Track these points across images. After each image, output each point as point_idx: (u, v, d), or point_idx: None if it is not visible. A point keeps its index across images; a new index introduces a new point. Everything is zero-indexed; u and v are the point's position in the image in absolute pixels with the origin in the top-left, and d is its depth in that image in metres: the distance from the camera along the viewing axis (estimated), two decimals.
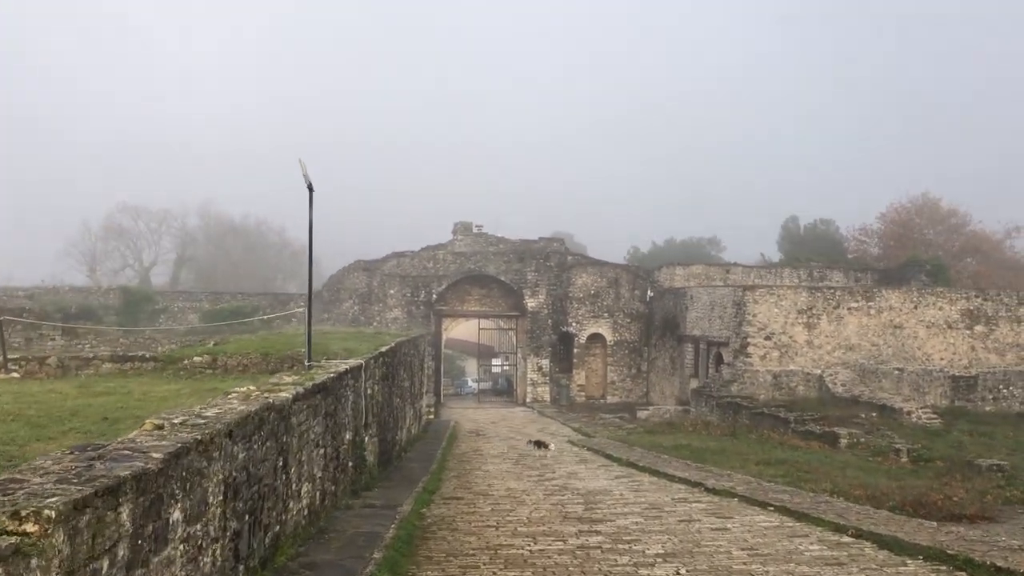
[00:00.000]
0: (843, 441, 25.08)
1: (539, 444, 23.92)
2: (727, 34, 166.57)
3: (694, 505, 13.63)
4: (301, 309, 45.01)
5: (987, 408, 34.15)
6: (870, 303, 35.65)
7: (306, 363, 14.02)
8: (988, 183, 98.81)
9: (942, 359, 35.69)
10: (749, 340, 34.78)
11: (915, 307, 35.87)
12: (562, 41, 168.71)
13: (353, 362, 13.97)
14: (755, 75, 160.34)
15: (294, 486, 9.15)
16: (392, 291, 44.65)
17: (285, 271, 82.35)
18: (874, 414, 29.75)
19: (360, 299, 44.99)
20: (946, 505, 14.93)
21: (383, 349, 17.54)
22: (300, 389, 9.40)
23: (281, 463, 8.48)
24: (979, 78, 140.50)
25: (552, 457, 22.19)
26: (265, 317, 34.77)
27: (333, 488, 11.73)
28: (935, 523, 12.93)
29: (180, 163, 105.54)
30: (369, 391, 15.38)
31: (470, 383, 55.13)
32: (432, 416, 34.00)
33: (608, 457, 21.93)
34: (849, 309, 35.42)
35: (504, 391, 51.46)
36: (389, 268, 45.02)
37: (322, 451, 10.81)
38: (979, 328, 36.10)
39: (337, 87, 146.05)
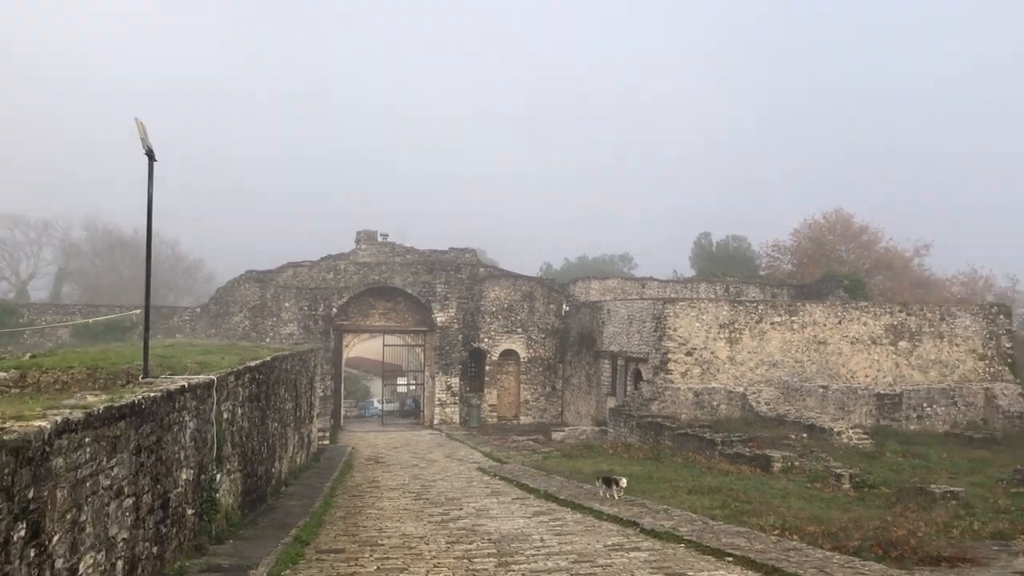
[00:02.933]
0: (777, 465, 22.98)
1: (608, 481, 17.24)
2: (636, 48, 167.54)
3: (633, 555, 10.98)
4: (173, 320, 41.16)
5: (911, 427, 32.82)
6: (793, 318, 34.01)
7: (140, 379, 10.87)
8: (898, 201, 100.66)
9: (866, 376, 34.24)
10: (670, 356, 32.64)
11: (839, 322, 34.38)
12: (474, 55, 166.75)
13: (200, 378, 10.85)
14: (661, 91, 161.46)
15: (60, 562, 6.08)
16: (287, 304, 41.06)
17: (178, 287, 77.25)
18: (804, 435, 27.86)
19: (252, 313, 41.24)
20: (919, 545, 12.70)
21: (252, 364, 14.41)
22: (79, 415, 6.34)
23: (24, 532, 5.43)
24: (893, 97, 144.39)
25: (459, 489, 19.29)
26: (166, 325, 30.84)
27: (155, 549, 8.62)
28: (926, 571, 10.63)
29: (64, 173, 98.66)
30: (227, 415, 12.25)
31: (376, 404, 51.65)
32: (327, 442, 30.69)
33: (524, 488, 19.21)
34: (772, 324, 33.69)
35: (412, 412, 48.21)
36: (284, 279, 41.43)
37: (130, 501, 7.72)
38: (903, 344, 34.84)
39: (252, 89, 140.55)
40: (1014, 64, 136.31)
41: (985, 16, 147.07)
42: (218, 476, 11.55)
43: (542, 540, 12.30)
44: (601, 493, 16.99)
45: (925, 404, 33.86)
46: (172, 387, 9.33)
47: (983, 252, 71.10)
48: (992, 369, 35.24)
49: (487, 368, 42.89)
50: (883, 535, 14.02)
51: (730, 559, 10.30)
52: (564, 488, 18.25)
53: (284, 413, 18.49)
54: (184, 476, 9.86)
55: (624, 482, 16.86)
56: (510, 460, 25.78)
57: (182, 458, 9.74)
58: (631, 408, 32.23)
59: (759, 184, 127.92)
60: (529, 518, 14.68)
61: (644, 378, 34.04)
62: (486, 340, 42.92)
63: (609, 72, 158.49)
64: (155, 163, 11.77)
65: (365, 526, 13.99)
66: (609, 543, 11.91)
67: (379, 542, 12.40)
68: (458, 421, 41.22)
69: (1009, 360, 35.56)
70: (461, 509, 15.98)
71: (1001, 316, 36.20)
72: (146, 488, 8.30)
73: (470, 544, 12.15)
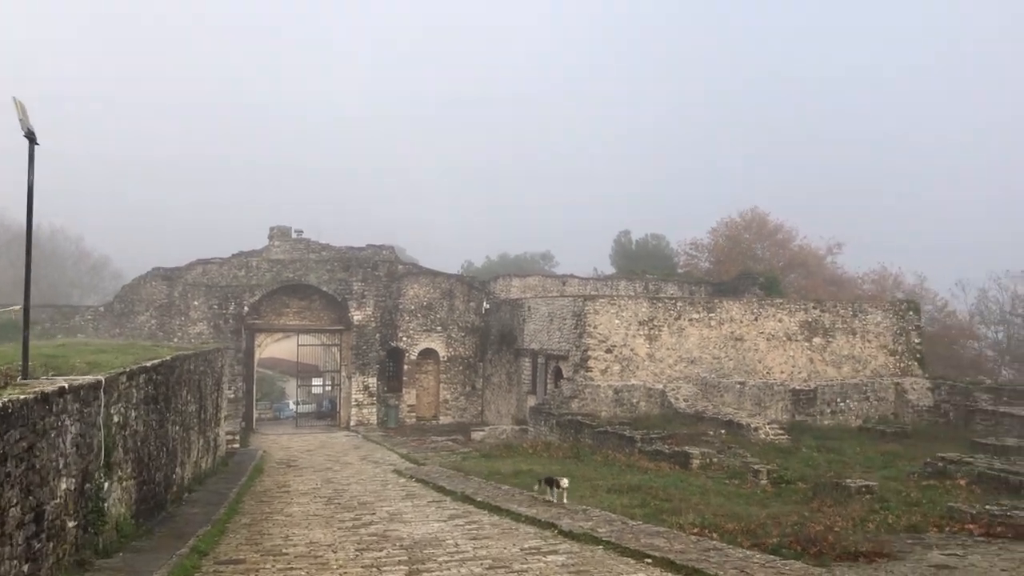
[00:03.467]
0: (695, 462, 22.94)
1: (550, 482, 16.59)
2: (564, 46, 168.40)
3: (551, 559, 10.55)
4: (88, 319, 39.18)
5: (826, 422, 33.39)
6: (711, 314, 34.25)
7: (19, 380, 9.95)
8: (811, 200, 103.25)
9: (782, 372, 34.72)
10: (590, 353, 32.49)
11: (755, 318, 34.78)
12: (389, 53, 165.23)
13: (86, 379, 10.00)
14: (581, 91, 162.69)
15: None
16: (196, 303, 39.53)
17: (83, 285, 74.13)
18: (722, 431, 27.99)
19: (159, 312, 39.58)
20: (837, 540, 12.62)
21: (149, 364, 13.50)
22: None
23: None
24: (805, 99, 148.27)
25: (373, 493, 18.62)
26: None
27: (26, 568, 7.81)
28: (844, 567, 10.50)
29: None
30: (118, 418, 11.38)
31: (292, 406, 50.29)
32: (237, 446, 29.55)
33: (440, 490, 18.65)
34: (690, 320, 33.85)
35: (328, 414, 47.05)
36: (194, 277, 39.89)
37: None
38: (817, 340, 35.45)
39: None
40: (934, 63, 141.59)
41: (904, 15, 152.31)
42: (107, 484, 10.69)
43: (456, 545, 11.78)
44: (546, 495, 16.19)
45: (839, 399, 34.50)
46: (49, 389, 8.50)
47: (892, 251, 73.47)
48: (902, 364, 36.14)
49: (406, 367, 42.15)
50: (801, 531, 13.94)
51: (649, 561, 9.96)
52: (481, 489, 17.77)
53: (187, 416, 17.53)
54: (64, 486, 9.01)
55: (565, 483, 16.03)
56: (428, 461, 25.18)
57: (61, 466, 8.90)
58: (551, 406, 31.96)
59: (678, 183, 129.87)
60: (444, 521, 14.14)
61: (565, 376, 33.82)
62: (405, 339, 42.17)
63: (539, 70, 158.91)
64: (36, 146, 10.85)
65: (270, 534, 13.25)
66: (526, 546, 11.47)
67: (283, 551, 11.70)
68: (376, 422, 40.37)
69: (918, 355, 36.54)
70: (374, 514, 15.35)
71: (911, 312, 37.16)
72: (14, 500, 7.49)
73: (380, 551, 11.55)
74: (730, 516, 15.81)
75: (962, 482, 19.67)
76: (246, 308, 39.87)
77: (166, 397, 15.04)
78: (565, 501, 15.36)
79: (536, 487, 16.93)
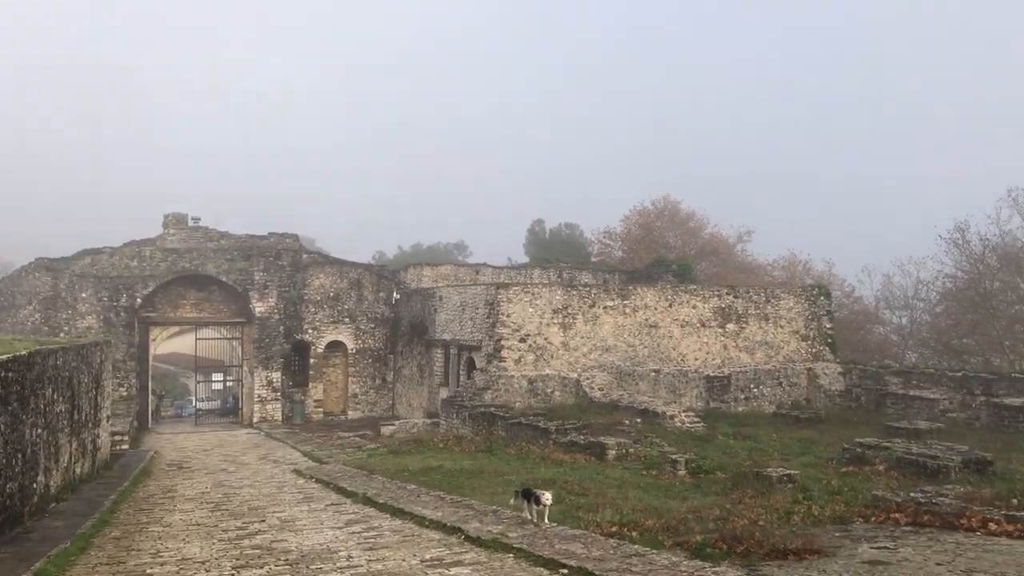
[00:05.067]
0: (611, 453, 22.11)
1: (528, 495, 12.95)
2: (468, 22, 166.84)
3: (454, 572, 9.36)
4: None
5: (740, 408, 33.18)
6: (626, 302, 33.57)
7: None
8: (722, 189, 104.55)
9: (696, 359, 34.33)
10: (503, 343, 31.42)
11: (670, 305, 34.27)
12: (287, 27, 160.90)
13: None
14: (499, 78, 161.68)
15: None
16: (84, 295, 36.89)
17: None
18: (638, 420, 27.31)
19: (43, 305, 36.80)
20: (764, 537, 11.80)
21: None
22: None
23: None
24: (718, 89, 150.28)
25: (267, 497, 17.10)
26: None
27: None
28: (774, 566, 9.63)
29: None
30: None
31: (194, 403, 47.78)
32: (126, 447, 27.43)
33: (341, 491, 17.27)
34: (605, 308, 33.11)
35: (232, 411, 44.80)
36: (81, 268, 37.21)
37: None
38: (731, 326, 35.17)
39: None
40: (831, 59, 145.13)
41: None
42: None
43: (349, 557, 10.47)
44: (523, 512, 12.70)
45: (752, 385, 34.34)
46: None
47: (801, 238, 74.65)
48: (814, 349, 36.19)
49: (312, 361, 40.35)
50: (726, 527, 13.11)
51: (565, 571, 8.88)
52: (385, 490, 16.47)
53: (53, 417, 15.69)
54: None
55: (548, 498, 12.36)
56: (331, 459, 23.69)
57: None
58: (464, 398, 30.80)
59: (592, 171, 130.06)
60: (340, 528, 12.81)
61: (478, 367, 32.71)
62: (311, 331, 40.35)
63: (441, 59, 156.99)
64: None
65: (139, 549, 11.69)
66: (427, 557, 10.24)
67: (148, 571, 10.20)
68: (280, 419, 38.49)
69: (829, 340, 36.66)
70: (263, 521, 13.90)
71: (822, 298, 37.27)
72: None
73: (261, 568, 10.17)
74: (649, 511, 14.94)
75: (881, 468, 19.31)
76: (139, 300, 37.45)
77: (21, 397, 13.25)
78: (547, 521, 12.15)
79: (511, 501, 13.61)
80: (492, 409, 28.31)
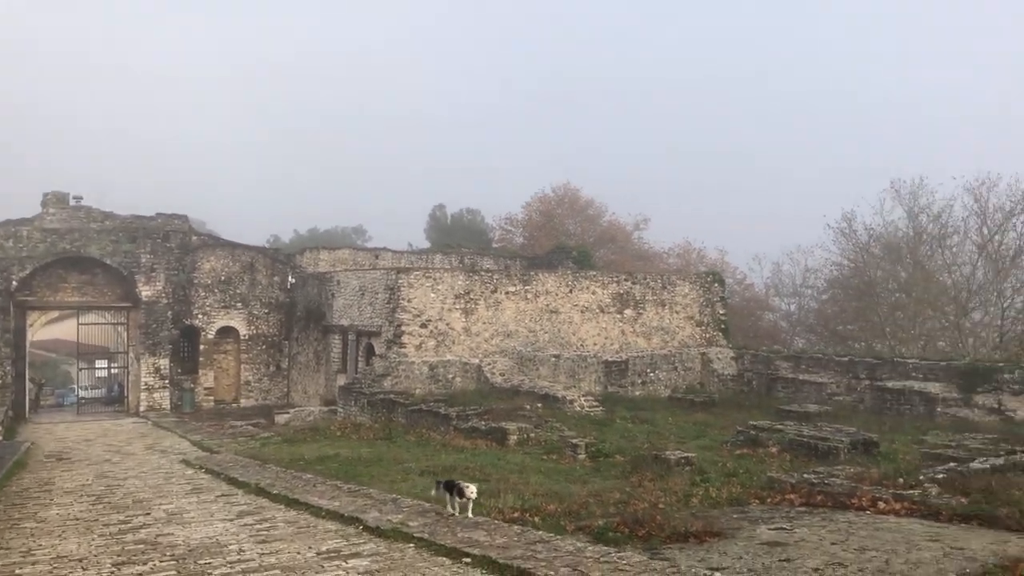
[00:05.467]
0: (512, 438, 22.01)
1: (450, 488, 12.26)
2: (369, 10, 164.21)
3: (352, 564, 8.98)
4: None
5: (637, 393, 33.62)
6: (527, 287, 33.55)
7: None
8: (621, 177, 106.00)
9: (595, 344, 34.62)
10: (404, 328, 30.94)
11: (570, 291, 34.42)
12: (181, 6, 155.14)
13: None
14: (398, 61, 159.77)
15: None
16: None
17: None
18: (538, 405, 27.32)
19: None
20: (665, 520, 11.82)
21: None
22: None
23: None
24: (621, 77, 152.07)
25: (153, 488, 16.26)
26: None
27: None
28: (675, 549, 9.62)
29: None
30: None
31: (77, 392, 45.51)
32: (0, 438, 25.84)
33: (232, 482, 16.57)
34: (507, 294, 33.01)
35: (117, 399, 42.87)
36: None
37: None
38: (629, 312, 35.59)
39: None
40: (724, 53, 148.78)
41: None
42: None
43: (240, 551, 9.95)
44: (446, 506, 11.98)
45: (649, 369, 34.85)
46: None
47: (695, 226, 76.35)
48: (708, 334, 36.98)
49: (202, 347, 38.94)
50: (626, 510, 13.12)
51: (468, 560, 8.62)
52: (279, 480, 15.89)
53: None
54: None
55: (473, 491, 11.82)
56: (222, 449, 22.81)
57: None
58: (362, 385, 30.23)
59: (494, 158, 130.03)
60: (231, 520, 12.22)
61: (377, 353, 32.15)
62: (201, 316, 38.91)
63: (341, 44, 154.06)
64: None
65: (8, 547, 10.86)
66: (324, 549, 9.82)
67: (17, 572, 9.45)
68: (168, 407, 37.01)
69: (723, 326, 37.53)
70: (148, 514, 13.16)
71: (715, 284, 38.11)
72: None
73: (144, 564, 9.55)
74: (551, 496, 14.84)
75: (774, 450, 19.77)
76: (15, 283, 35.35)
77: None
78: (470, 515, 11.57)
79: (432, 493, 12.99)
80: (392, 396, 27.86)
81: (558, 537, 9.40)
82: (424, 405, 26.13)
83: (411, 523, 10.53)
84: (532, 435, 22.42)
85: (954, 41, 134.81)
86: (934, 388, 27.95)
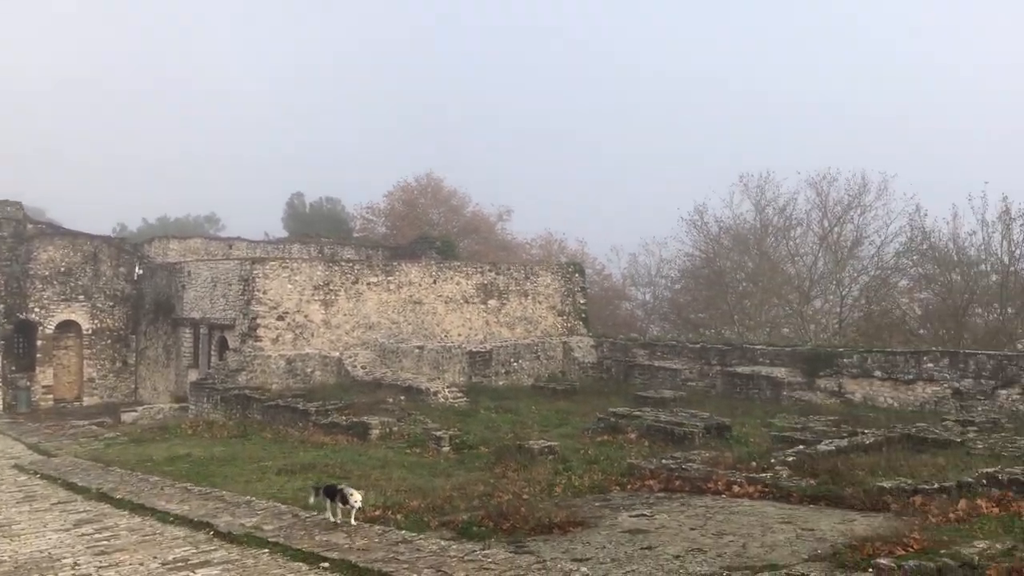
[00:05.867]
0: (375, 432, 21.59)
1: (332, 493, 11.23)
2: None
3: (201, 574, 8.43)
4: None
5: (501, 383, 33.69)
6: (390, 278, 33.01)
7: None
8: (483, 168, 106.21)
9: (460, 335, 34.47)
10: (259, 321, 29.81)
11: (434, 282, 34.13)
12: None
13: None
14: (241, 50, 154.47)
15: None
16: None
17: None
18: (401, 397, 26.95)
19: None
20: (529, 512, 11.77)
21: None
22: None
23: None
24: (482, 70, 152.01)
25: None
26: None
27: None
28: (540, 541, 9.55)
29: None
30: None
31: None
32: None
33: (71, 487, 15.44)
34: (368, 284, 32.37)
35: None
36: None
37: None
38: (492, 302, 35.64)
39: None
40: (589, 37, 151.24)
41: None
42: None
43: (75, 565, 9.19)
44: (327, 514, 10.87)
45: (513, 360, 35.00)
46: None
47: (556, 218, 77.43)
48: (569, 324, 37.49)
49: (40, 343, 36.31)
50: (491, 503, 13.03)
51: (326, 565, 8.24)
52: (124, 483, 14.93)
53: None
54: None
55: (358, 498, 10.74)
56: (61, 452, 21.30)
57: None
58: (215, 381, 28.99)
59: (355, 146, 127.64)
60: (67, 531, 11.32)
61: (231, 347, 30.88)
62: (38, 310, 36.28)
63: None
64: None
65: None
66: (170, 558, 9.19)
67: None
68: (1, 408, 34.35)
69: (583, 315, 38.14)
70: None
71: (576, 275, 38.69)
72: None
73: None
74: (414, 491, 14.61)
75: (633, 436, 20.19)
76: None
77: None
78: (353, 522, 10.51)
79: (310, 500, 11.73)
80: (247, 392, 26.85)
81: (421, 536, 9.15)
82: (281, 401, 25.29)
83: (266, 527, 10.02)
84: (395, 429, 22.05)
85: (803, 42, 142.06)
86: (780, 373, 29.31)
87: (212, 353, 32.53)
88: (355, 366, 30.50)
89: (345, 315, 31.65)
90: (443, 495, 14.12)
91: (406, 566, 7.80)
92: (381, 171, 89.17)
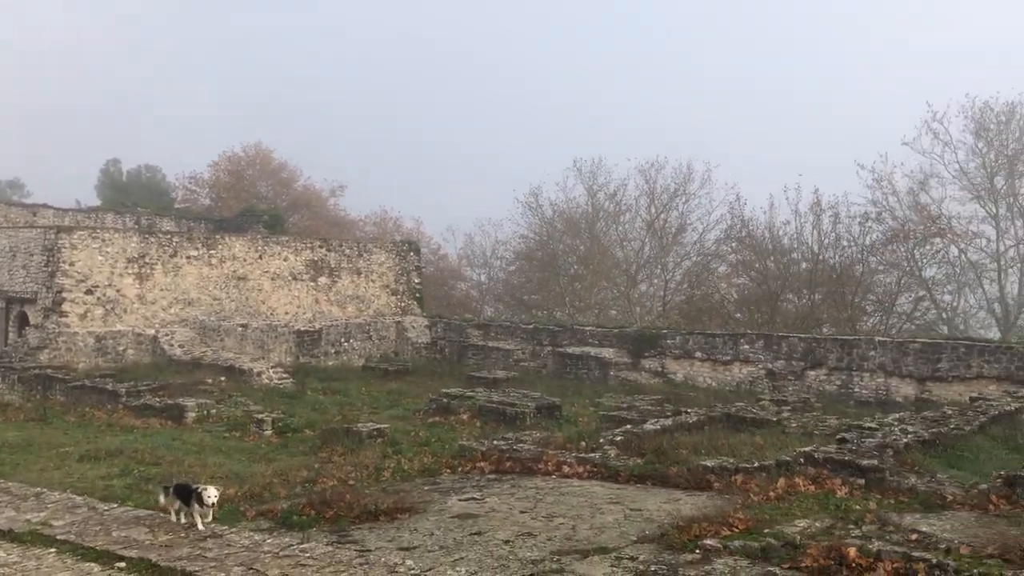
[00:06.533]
0: (191, 415, 20.37)
1: (184, 493, 9.40)
2: None
3: None
4: None
5: (330, 363, 32.68)
6: (212, 251, 31.26)
7: None
8: (314, 141, 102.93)
9: (287, 313, 33.16)
10: (65, 295, 27.49)
11: (260, 257, 32.62)
12: None
13: None
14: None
15: None
16: None
17: None
18: (222, 378, 25.59)
19: None
20: (355, 499, 11.20)
21: None
22: None
23: None
24: (297, 46, 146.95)
25: None
26: None
27: None
28: (365, 529, 9.06)
29: None
30: None
31: None
32: None
33: None
34: (188, 258, 30.52)
35: None
36: None
37: None
38: (323, 280, 34.50)
39: None
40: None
41: None
42: None
43: None
44: (178, 516, 9.11)
45: (343, 339, 34.02)
46: None
47: (392, 195, 76.20)
48: (403, 303, 36.89)
49: None
50: (314, 490, 12.43)
51: (122, 565, 7.38)
52: None
53: None
54: None
55: (213, 496, 9.01)
56: None
57: None
58: (13, 359, 26.67)
59: (180, 111, 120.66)
60: None
61: (32, 322, 28.40)
62: None
63: None
64: None
65: None
66: None
67: None
68: None
69: (418, 295, 37.63)
70: None
71: (412, 253, 38.10)
72: None
73: None
74: (231, 478, 13.78)
75: (465, 416, 19.98)
76: None
77: None
78: (205, 523, 8.83)
79: (161, 499, 9.77)
80: (49, 371, 24.84)
81: (234, 529, 8.43)
82: (88, 381, 23.50)
83: (55, 522, 8.96)
84: (214, 411, 20.94)
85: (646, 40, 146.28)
86: (608, 353, 29.98)
87: (10, 329, 29.77)
88: (172, 345, 28.71)
89: (162, 290, 29.72)
90: (263, 482, 13.38)
91: (213, 564, 7.09)
92: (207, 140, 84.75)
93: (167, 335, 29.04)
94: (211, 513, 9.02)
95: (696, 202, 45.53)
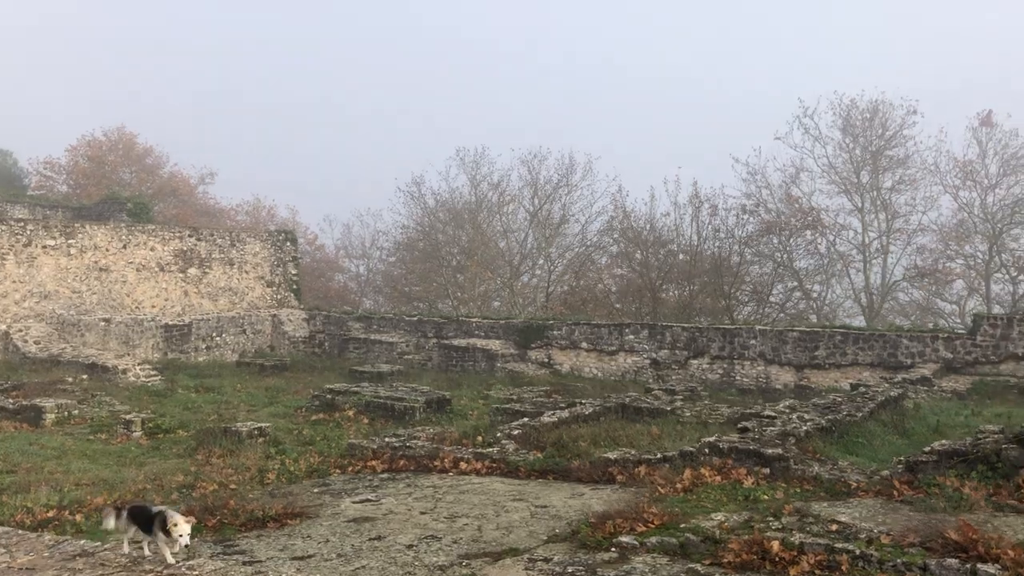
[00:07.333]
0: (50, 417, 18.75)
1: (139, 516, 7.48)
2: None
3: None
4: None
5: (201, 359, 31.15)
6: (71, 241, 29.15)
7: None
8: (183, 125, 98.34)
9: (154, 306, 31.33)
10: None
11: (124, 246, 30.65)
12: None
13: None
14: None
15: None
16: None
17: None
18: (84, 377, 23.82)
19: None
20: (239, 505, 10.35)
21: None
22: None
23: None
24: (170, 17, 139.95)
25: None
26: None
27: None
28: (252, 537, 8.28)
29: None
30: None
31: None
32: None
33: None
34: (44, 248, 28.36)
35: None
36: None
37: None
38: (193, 271, 32.74)
39: None
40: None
41: None
42: None
43: None
44: (125, 548, 7.37)
45: (215, 334, 32.45)
46: None
47: (265, 183, 73.53)
48: (279, 296, 35.50)
49: None
50: (193, 496, 11.47)
51: None
52: None
53: None
54: None
55: (185, 528, 7.08)
56: None
57: None
58: None
59: (34, 88, 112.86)
60: None
61: None
62: None
63: None
64: None
65: None
66: None
67: None
68: None
69: (295, 287, 36.30)
70: None
71: (288, 243, 36.71)
72: None
73: None
74: (99, 485, 12.63)
75: (351, 413, 19.19)
76: None
77: None
78: (174, 556, 7.17)
79: (111, 524, 7.77)
80: None
81: (107, 546, 7.51)
82: None
83: None
84: (75, 412, 19.38)
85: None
86: (495, 345, 29.66)
87: None
88: (26, 341, 26.60)
89: (14, 282, 27.48)
90: (135, 488, 12.28)
91: None
92: (65, 123, 79.48)
93: (20, 331, 26.89)
94: (183, 542, 7.25)
95: (578, 193, 45.85)
